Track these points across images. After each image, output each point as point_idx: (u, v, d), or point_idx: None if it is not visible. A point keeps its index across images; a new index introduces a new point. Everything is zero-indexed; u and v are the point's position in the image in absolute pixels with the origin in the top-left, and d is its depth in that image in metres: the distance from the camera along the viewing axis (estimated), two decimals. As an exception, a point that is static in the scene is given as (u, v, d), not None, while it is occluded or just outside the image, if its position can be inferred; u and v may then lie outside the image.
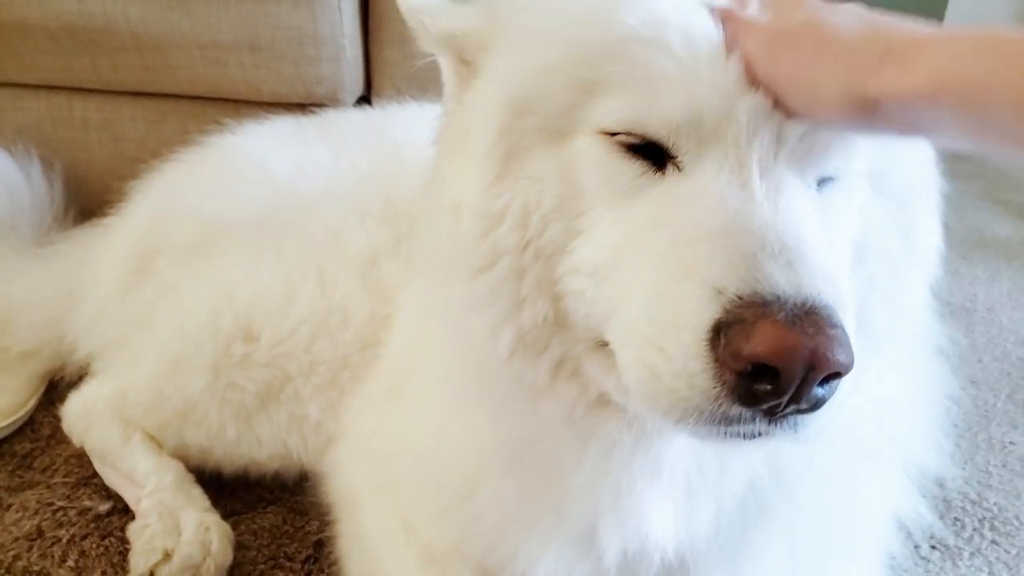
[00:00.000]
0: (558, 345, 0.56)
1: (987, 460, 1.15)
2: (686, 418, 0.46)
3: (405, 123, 1.08)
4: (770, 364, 0.43)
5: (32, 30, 1.35)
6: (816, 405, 0.45)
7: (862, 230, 0.56)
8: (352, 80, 1.38)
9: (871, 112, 0.45)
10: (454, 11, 0.63)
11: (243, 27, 1.32)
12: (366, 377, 0.87)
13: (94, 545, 0.92)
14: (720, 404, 0.45)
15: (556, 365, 0.57)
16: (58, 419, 1.12)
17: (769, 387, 0.43)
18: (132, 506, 0.95)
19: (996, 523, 1.03)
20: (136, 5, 1.32)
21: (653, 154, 0.52)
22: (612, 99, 0.51)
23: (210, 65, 1.36)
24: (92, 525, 0.94)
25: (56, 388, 1.15)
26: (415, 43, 1.40)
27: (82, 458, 1.03)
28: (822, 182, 0.54)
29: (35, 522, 0.94)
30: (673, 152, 0.51)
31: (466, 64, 0.62)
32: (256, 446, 0.94)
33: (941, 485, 0.98)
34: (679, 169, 0.51)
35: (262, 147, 1.08)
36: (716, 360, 0.44)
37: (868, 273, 0.57)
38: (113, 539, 0.92)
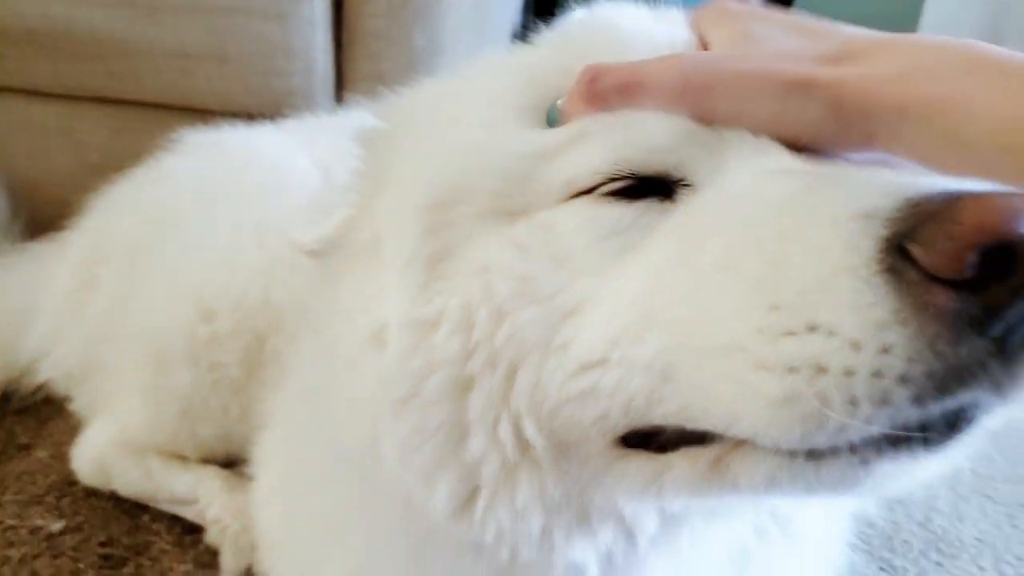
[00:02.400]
0: (557, 481, 0.44)
1: (935, 484, 1.18)
2: (900, 408, 0.32)
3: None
4: (1005, 237, 0.30)
5: (-10, 32, 1.32)
6: None
7: None
8: (323, 94, 1.38)
9: None
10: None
11: (212, 38, 1.31)
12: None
13: (45, 565, 0.89)
14: (949, 345, 0.31)
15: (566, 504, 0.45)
16: (10, 433, 1.09)
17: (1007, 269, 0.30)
18: (198, 521, 0.95)
19: (941, 545, 1.06)
20: (101, 11, 1.29)
21: (647, 191, 0.43)
22: (580, 150, 0.43)
23: (177, 74, 1.34)
24: (44, 544, 0.91)
25: (8, 401, 1.12)
26: (387, 59, 1.41)
27: (34, 475, 1.01)
28: None
29: (-17, 541, 0.92)
30: (676, 174, 0.42)
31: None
32: None
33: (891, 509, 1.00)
34: (689, 187, 0.43)
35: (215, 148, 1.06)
36: (908, 285, 0.31)
37: None
38: (65, 559, 0.90)
